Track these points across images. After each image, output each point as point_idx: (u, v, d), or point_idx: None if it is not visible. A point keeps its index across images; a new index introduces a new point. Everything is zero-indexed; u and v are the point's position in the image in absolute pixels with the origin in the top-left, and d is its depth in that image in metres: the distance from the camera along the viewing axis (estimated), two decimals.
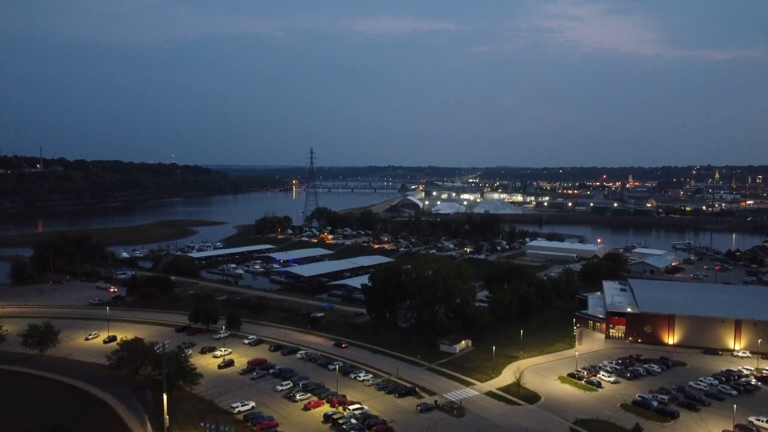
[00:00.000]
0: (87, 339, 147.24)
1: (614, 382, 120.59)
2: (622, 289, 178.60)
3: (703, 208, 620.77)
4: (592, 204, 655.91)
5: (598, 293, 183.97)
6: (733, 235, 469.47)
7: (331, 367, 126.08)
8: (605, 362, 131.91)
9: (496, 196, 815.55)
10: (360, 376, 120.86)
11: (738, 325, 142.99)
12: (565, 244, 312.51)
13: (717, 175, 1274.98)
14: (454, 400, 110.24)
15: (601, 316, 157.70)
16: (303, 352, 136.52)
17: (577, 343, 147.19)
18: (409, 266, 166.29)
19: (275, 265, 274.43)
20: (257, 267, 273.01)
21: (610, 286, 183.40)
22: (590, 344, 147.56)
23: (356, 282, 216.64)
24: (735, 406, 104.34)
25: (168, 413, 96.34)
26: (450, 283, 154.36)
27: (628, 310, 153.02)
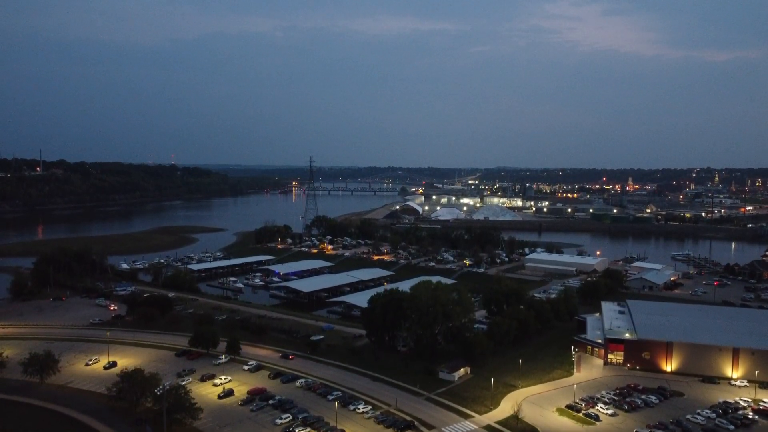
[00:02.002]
0: (87, 365, 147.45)
1: (612, 415, 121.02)
2: (620, 312, 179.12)
3: (703, 214, 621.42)
4: (591, 210, 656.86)
5: (597, 314, 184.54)
6: (732, 244, 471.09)
7: (331, 397, 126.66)
8: (603, 392, 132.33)
9: (495, 200, 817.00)
10: (359, 408, 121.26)
11: (735, 354, 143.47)
12: (565, 257, 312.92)
13: (716, 179, 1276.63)
14: None
15: (600, 341, 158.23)
16: (302, 380, 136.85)
17: (575, 369, 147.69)
18: (409, 290, 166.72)
19: (275, 279, 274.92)
20: (257, 281, 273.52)
21: (608, 308, 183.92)
22: (589, 371, 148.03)
23: (355, 299, 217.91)
24: None
25: None
26: (449, 308, 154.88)
27: (627, 336, 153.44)
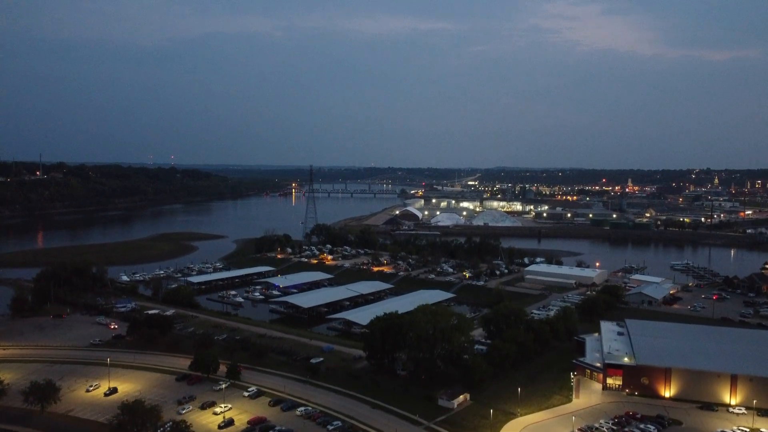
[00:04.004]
0: (88, 390, 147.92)
1: None
2: (619, 333, 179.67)
3: (702, 219, 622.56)
4: (591, 215, 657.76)
5: (596, 334, 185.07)
6: (732, 251, 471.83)
7: (331, 427, 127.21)
8: (602, 421, 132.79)
9: (495, 204, 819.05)
10: None
11: (734, 380, 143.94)
12: (564, 269, 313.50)
13: (716, 180, 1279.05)
14: None
15: (599, 365, 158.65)
16: (302, 408, 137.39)
17: (574, 395, 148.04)
18: (408, 314, 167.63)
19: (275, 292, 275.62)
20: (257, 294, 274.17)
21: (607, 329, 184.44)
22: (587, 397, 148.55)
23: (355, 315, 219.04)
24: None
25: None
26: (448, 334, 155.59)
27: (625, 360, 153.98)
